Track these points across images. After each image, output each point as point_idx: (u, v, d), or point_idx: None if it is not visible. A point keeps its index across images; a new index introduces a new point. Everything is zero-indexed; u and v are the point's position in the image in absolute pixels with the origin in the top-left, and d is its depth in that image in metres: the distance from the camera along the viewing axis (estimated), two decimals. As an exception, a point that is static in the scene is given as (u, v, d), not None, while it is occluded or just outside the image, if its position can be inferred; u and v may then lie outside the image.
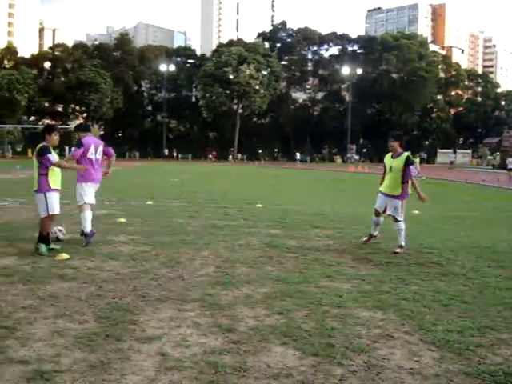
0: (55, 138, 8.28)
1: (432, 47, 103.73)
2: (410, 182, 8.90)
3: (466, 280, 7.01)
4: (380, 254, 8.64)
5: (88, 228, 8.78)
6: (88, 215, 8.88)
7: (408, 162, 8.83)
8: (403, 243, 8.89)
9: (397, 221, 8.97)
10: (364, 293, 6.19)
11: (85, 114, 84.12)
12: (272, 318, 5.22)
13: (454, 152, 70.52)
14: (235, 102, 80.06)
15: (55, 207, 8.12)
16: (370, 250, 8.96)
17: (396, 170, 8.95)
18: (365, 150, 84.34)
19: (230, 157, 77.74)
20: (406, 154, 9.02)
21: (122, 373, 3.90)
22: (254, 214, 13.56)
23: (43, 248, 7.91)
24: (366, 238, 9.60)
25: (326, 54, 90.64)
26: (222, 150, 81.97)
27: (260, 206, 15.45)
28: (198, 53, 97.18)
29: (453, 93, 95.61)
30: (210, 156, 76.18)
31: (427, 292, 6.29)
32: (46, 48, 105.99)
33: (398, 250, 8.77)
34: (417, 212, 14.84)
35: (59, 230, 9.00)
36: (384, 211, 9.27)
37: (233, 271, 7.13)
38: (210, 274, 6.93)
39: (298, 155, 74.35)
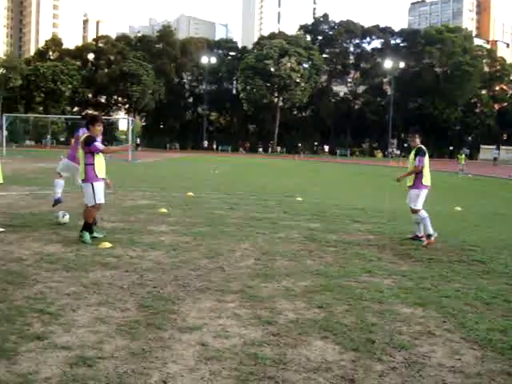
0: (98, 128, 8.44)
1: (476, 41, 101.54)
2: (423, 172, 9.20)
3: (510, 279, 6.86)
4: (421, 250, 8.54)
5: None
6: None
7: (416, 153, 9.27)
8: (431, 231, 8.96)
9: (415, 212, 9.16)
10: (405, 289, 6.12)
11: (127, 106, 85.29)
12: (311, 312, 5.21)
13: (498, 148, 68.94)
14: (276, 94, 79.97)
15: (101, 197, 8.28)
16: (411, 245, 8.86)
17: (411, 161, 9.41)
18: (406, 145, 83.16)
19: (270, 149, 77.75)
20: (419, 146, 9.39)
21: (163, 361, 3.95)
22: (293, 207, 13.55)
23: (87, 236, 8.07)
24: (426, 242, 9.04)
25: (368, 48, 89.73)
26: (261, 142, 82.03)
27: (300, 199, 15.42)
28: (240, 45, 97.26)
29: (497, 88, 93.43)
30: (241, 148, 76.41)
31: (469, 290, 6.19)
32: (89, 40, 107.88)
33: (425, 241, 8.96)
34: (459, 209, 14.61)
35: (64, 215, 9.50)
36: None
37: (272, 264, 7.15)
38: (250, 266, 6.96)
39: (325, 148, 74.10)
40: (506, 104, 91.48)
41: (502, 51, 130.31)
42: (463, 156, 39.13)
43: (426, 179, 9.30)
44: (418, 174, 9.25)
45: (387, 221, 11.72)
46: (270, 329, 4.71)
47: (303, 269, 6.91)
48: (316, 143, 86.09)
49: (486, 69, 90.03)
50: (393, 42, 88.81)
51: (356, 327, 4.82)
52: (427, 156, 9.40)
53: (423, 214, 9.10)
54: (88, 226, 8.23)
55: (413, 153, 9.42)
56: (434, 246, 8.79)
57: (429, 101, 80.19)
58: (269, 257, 7.57)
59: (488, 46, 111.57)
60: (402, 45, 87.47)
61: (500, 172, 40.27)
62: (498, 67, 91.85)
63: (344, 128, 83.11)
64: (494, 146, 70.73)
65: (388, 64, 76.34)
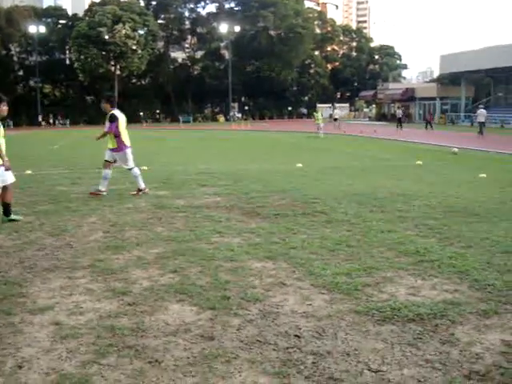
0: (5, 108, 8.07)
1: (307, 3, 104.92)
2: (118, 135, 10.27)
3: (350, 225, 7.37)
4: (268, 207, 8.85)
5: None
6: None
7: (109, 119, 10.27)
8: (142, 186, 10.46)
9: (130, 169, 10.53)
10: (255, 245, 6.34)
11: None
12: (166, 277, 5.23)
13: (333, 106, 72.66)
14: (112, 63, 77.29)
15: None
16: (258, 204, 9.14)
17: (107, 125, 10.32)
18: (246, 108, 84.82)
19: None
20: (111, 112, 10.33)
21: (16, 346, 3.76)
22: (140, 176, 13.33)
23: None
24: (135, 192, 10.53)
25: (204, 12, 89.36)
26: (100, 115, 79.26)
27: (145, 168, 15.19)
28: (70, 12, 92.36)
29: (329, 48, 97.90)
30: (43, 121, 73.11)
31: (315, 239, 6.56)
32: None
33: (133, 193, 10.45)
34: (300, 165, 15.29)
35: None
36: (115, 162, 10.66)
37: (122, 235, 7.03)
38: (99, 240, 6.79)
39: (180, 118, 73.48)
40: (337, 64, 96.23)
41: (331, 13, 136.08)
42: (319, 114, 36.84)
43: (126, 140, 10.42)
44: (118, 137, 10.23)
45: (233, 182, 11.97)
46: (125, 299, 4.65)
47: (154, 236, 6.88)
48: (158, 111, 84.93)
49: (318, 30, 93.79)
50: (227, 6, 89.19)
51: (211, 287, 4.91)
52: (122, 120, 10.37)
53: (137, 171, 10.46)
54: None
55: (107, 118, 10.31)
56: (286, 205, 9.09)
57: (266, 63, 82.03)
58: (118, 228, 7.43)
59: (318, 9, 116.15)
60: (236, 9, 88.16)
61: (335, 129, 42.53)
62: (329, 28, 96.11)
63: (185, 94, 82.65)
64: (329, 105, 74.42)
65: (224, 28, 76.73)
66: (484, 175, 13.39)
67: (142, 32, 75.60)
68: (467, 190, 10.92)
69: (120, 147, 10.36)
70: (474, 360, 3.53)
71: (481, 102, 55.68)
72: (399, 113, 48.99)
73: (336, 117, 48.39)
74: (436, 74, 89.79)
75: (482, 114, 35.59)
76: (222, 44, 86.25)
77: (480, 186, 11.80)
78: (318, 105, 73.61)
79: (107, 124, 10.28)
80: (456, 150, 20.92)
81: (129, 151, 10.51)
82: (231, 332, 3.97)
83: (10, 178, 8.03)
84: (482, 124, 34.61)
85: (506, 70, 51.95)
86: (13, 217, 8.01)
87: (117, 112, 10.37)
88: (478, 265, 5.50)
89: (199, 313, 4.33)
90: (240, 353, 3.64)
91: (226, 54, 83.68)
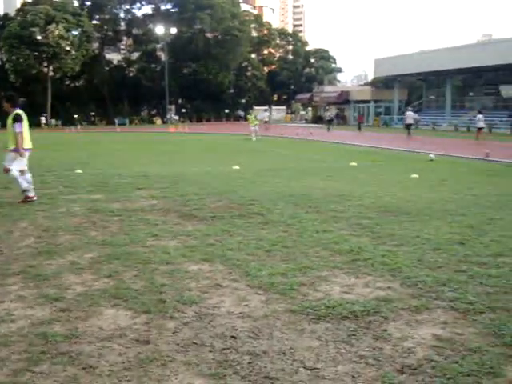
0: None
1: (244, 6, 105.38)
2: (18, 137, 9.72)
3: (286, 226, 7.46)
4: (204, 209, 8.83)
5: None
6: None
7: (14, 120, 9.71)
8: (24, 187, 9.81)
9: (10, 171, 9.81)
10: (191, 247, 6.32)
11: None
12: (100, 282, 5.14)
13: (270, 108, 73.02)
14: (45, 64, 75.33)
15: None
16: (195, 206, 9.11)
17: (9, 126, 9.81)
18: (184, 110, 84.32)
19: (43, 122, 73.30)
20: (15, 112, 9.77)
21: None
22: (73, 180, 13.07)
23: None
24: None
25: (139, 13, 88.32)
26: (32, 116, 77.05)
27: (79, 171, 14.91)
28: (1, 12, 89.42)
29: (266, 51, 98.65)
30: None
31: (251, 241, 6.60)
32: None
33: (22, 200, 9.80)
34: (237, 167, 15.34)
35: None
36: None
37: (55, 240, 6.86)
38: (31, 245, 6.60)
39: (116, 121, 72.28)
40: (274, 67, 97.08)
41: (268, 16, 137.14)
42: (253, 116, 37.30)
43: (27, 142, 9.92)
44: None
45: (170, 185, 11.89)
46: (58, 305, 4.55)
47: (88, 241, 6.75)
48: (93, 113, 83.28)
49: (255, 33, 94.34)
50: (163, 7, 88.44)
51: (146, 290, 4.87)
52: (26, 121, 9.94)
53: (16, 173, 9.77)
54: None
55: (10, 118, 9.76)
56: (221, 207, 9.10)
57: (203, 66, 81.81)
58: (50, 233, 7.24)
59: (255, 12, 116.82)
60: (172, 10, 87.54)
61: (272, 132, 42.92)
62: (266, 32, 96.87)
63: (121, 96, 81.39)
64: (265, 107, 74.80)
65: (160, 30, 76.08)
66: (416, 176, 13.81)
67: (75, 33, 73.99)
68: (400, 190, 11.24)
69: (18, 148, 9.81)
70: (406, 354, 3.64)
71: (413, 104, 57.47)
72: (328, 115, 50.23)
73: (266, 119, 48.97)
74: (370, 78, 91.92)
75: (409, 116, 36.86)
76: (159, 46, 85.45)
77: (412, 186, 12.17)
78: (255, 107, 73.93)
79: (16, 125, 9.68)
80: (433, 156, 19.24)
81: (25, 154, 9.92)
82: (167, 335, 3.94)
83: None
84: (409, 126, 35.79)
85: (437, 74, 53.84)
86: None
87: (20, 111, 9.87)
88: (410, 262, 5.67)
89: (134, 317, 4.28)
90: (176, 356, 3.62)
91: (163, 56, 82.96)
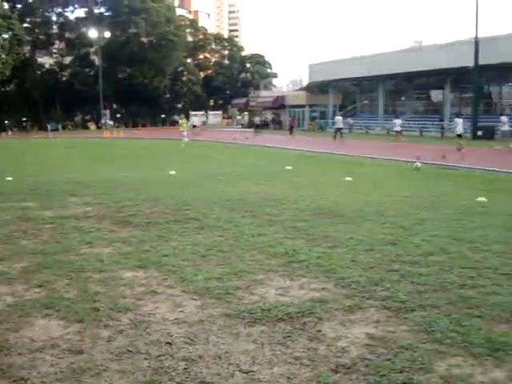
0: None
1: (179, 11, 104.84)
2: None
3: (222, 231, 7.46)
4: (139, 215, 8.73)
5: None
6: None
7: None
8: None
9: None
10: (126, 254, 6.24)
11: None
12: (31, 292, 5.01)
13: (206, 113, 72.81)
14: (-28, 68, 72.66)
15: None
16: (130, 212, 8.98)
17: None
18: (119, 115, 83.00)
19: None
20: None
21: None
22: (2, 187, 12.64)
23: None
24: None
25: (72, 17, 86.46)
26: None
27: (10, 178, 14.44)
28: None
29: (201, 56, 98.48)
30: None
31: (186, 246, 6.58)
32: None
33: None
34: (173, 172, 15.24)
35: None
36: None
37: (-17, 250, 6.63)
38: (-43, 256, 6.35)
39: (48, 126, 70.40)
40: (210, 72, 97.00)
41: (203, 21, 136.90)
42: (184, 121, 38.26)
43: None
44: None
45: (104, 191, 11.67)
46: (-14, 317, 4.40)
47: (18, 250, 6.56)
48: (24, 119, 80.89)
49: (190, 38, 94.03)
50: (97, 10, 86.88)
51: (79, 299, 4.78)
52: None
53: None
54: None
55: None
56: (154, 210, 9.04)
57: (138, 70, 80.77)
58: (-22, 243, 6.99)
59: (191, 16, 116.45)
60: (106, 14, 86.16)
61: (208, 136, 42.77)
62: (201, 36, 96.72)
63: (53, 101, 79.39)
64: (195, 112, 74.38)
65: (93, 33, 74.66)
66: (350, 178, 14.09)
67: (6, 36, 71.66)
68: (334, 193, 11.44)
69: None
70: (341, 354, 3.71)
71: (346, 109, 58.61)
72: (257, 120, 51.12)
73: (195, 124, 49.12)
74: (305, 83, 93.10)
75: (339, 120, 38.09)
76: (92, 50, 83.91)
77: (346, 188, 12.41)
78: (191, 112, 73.64)
79: None
80: (419, 164, 17.48)
81: None
82: (101, 344, 3.88)
83: None
84: (338, 130, 36.76)
85: (370, 79, 55.10)
86: None
87: None
88: (344, 263, 5.79)
89: (67, 326, 4.19)
90: (110, 364, 3.57)
91: (97, 60, 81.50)
